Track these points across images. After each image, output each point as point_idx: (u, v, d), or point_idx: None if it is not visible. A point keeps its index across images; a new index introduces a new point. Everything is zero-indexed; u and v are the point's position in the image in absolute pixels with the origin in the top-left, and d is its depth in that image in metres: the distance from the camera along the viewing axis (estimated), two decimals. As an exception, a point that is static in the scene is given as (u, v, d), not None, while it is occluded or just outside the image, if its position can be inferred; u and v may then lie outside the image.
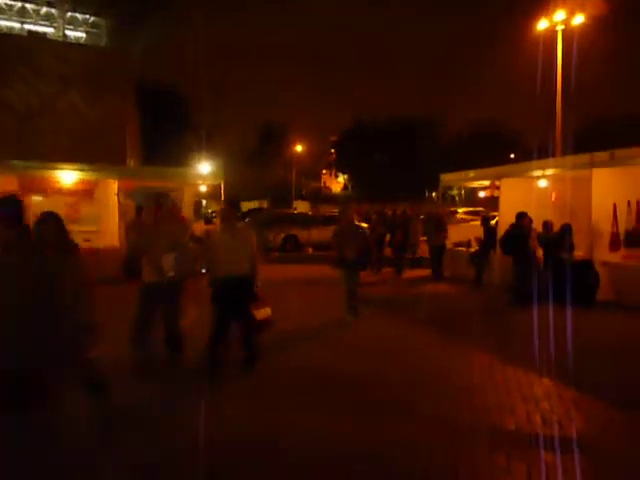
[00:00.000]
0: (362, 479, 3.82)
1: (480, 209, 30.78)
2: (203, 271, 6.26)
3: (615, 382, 5.75)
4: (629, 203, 10.84)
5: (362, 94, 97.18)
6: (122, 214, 13.57)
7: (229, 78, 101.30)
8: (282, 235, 22.26)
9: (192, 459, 4.01)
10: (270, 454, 4.11)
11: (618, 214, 10.78)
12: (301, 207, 39.13)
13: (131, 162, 27.24)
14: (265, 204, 40.89)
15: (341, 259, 8.94)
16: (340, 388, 5.60)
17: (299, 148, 55.19)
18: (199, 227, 14.66)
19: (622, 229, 10.79)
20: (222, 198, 15.10)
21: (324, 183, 73.28)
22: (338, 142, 66.27)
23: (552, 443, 4.29)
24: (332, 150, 68.96)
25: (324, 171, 73.17)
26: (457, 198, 55.40)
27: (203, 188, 16.32)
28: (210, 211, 31.91)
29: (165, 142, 36.66)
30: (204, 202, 30.69)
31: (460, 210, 34.33)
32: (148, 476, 3.87)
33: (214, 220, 15.34)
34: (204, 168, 30.29)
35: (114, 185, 13.79)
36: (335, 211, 29.24)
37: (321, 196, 59.00)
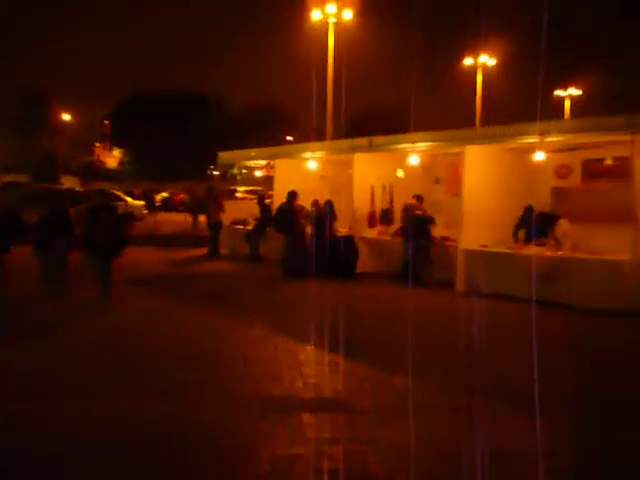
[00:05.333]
0: (140, 458, 3.65)
1: (259, 188, 31.66)
2: None
3: (369, 343, 6.44)
4: (384, 186, 12.17)
5: (141, 64, 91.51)
6: None
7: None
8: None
9: None
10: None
11: (375, 195, 12.04)
12: (70, 183, 35.75)
13: None
14: (24, 178, 36.25)
15: None
16: (118, 370, 5.36)
17: (67, 117, 50.10)
18: None
19: (378, 208, 12.08)
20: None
21: (97, 157, 67.77)
22: (113, 113, 61.82)
23: (311, 405, 4.63)
24: (106, 122, 64.07)
25: (97, 144, 67.62)
26: (238, 177, 56.21)
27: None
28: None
29: None
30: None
31: (240, 189, 34.91)
32: None
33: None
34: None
35: None
36: (115, 188, 27.31)
37: (94, 171, 54.55)
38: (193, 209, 19.23)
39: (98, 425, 4.15)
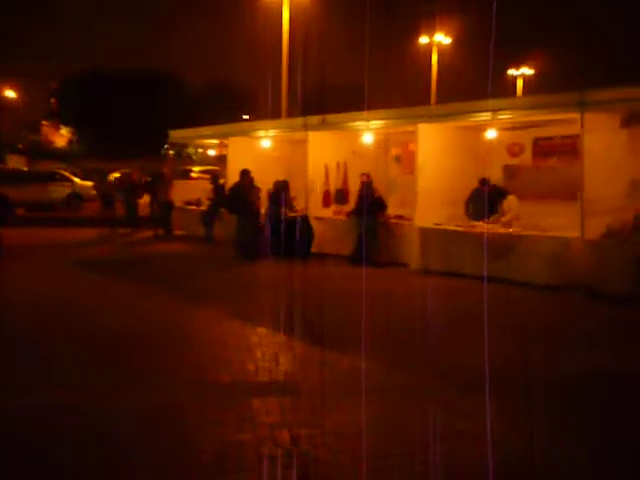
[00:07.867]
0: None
1: (215, 168, 30.99)
2: None
3: (322, 324, 6.32)
4: (338, 164, 12.03)
5: (92, 42, 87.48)
6: None
7: None
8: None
9: None
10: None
11: (329, 174, 11.89)
12: (16, 163, 34.33)
13: None
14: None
15: None
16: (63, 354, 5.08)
17: (12, 94, 47.87)
18: None
19: (332, 187, 11.96)
20: None
21: (45, 136, 65.04)
22: (60, 90, 59.25)
23: (261, 389, 4.52)
24: (52, 100, 61.40)
25: (44, 122, 64.81)
26: (194, 156, 55.00)
27: None
28: None
29: None
30: None
31: (196, 169, 34.12)
32: None
33: None
34: None
35: None
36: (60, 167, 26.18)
37: (41, 151, 52.40)
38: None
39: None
